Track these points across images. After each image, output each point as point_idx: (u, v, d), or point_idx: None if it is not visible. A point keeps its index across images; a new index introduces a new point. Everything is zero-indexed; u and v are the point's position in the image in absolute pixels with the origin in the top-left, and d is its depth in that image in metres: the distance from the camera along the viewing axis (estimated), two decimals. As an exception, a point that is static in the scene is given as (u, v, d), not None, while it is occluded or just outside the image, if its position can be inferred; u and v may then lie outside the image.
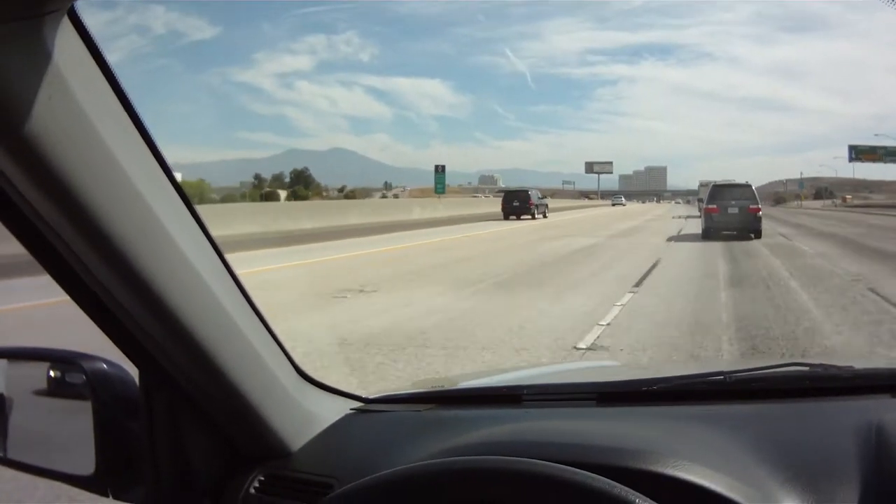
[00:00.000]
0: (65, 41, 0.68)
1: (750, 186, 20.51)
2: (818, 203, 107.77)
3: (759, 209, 19.20)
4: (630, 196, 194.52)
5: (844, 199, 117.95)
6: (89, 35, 0.71)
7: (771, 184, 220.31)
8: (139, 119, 0.78)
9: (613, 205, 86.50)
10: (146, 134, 0.79)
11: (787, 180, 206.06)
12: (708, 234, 19.02)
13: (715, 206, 19.47)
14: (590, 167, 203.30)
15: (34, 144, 0.67)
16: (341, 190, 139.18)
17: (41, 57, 0.66)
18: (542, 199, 40.38)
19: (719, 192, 20.07)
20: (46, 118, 0.67)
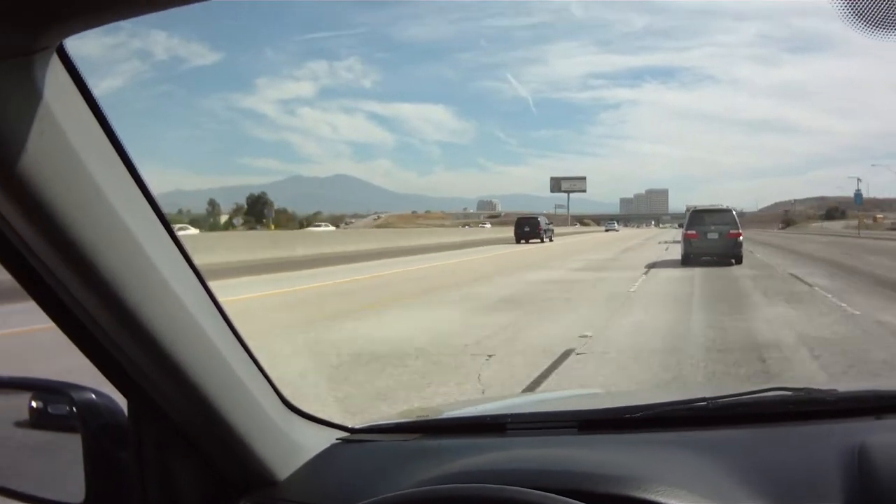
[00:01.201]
0: (54, 78, 0.71)
1: (730, 211, 20.06)
2: (837, 225, 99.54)
3: (739, 234, 18.85)
4: (630, 220, 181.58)
5: (876, 219, 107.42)
6: (77, 71, 0.74)
7: (777, 204, 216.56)
8: (126, 154, 0.81)
9: (607, 230, 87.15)
10: (131, 166, 0.82)
11: (796, 200, 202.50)
12: (687, 261, 18.65)
13: (694, 232, 19.05)
14: (556, 184, 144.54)
15: (26, 179, 0.69)
16: (315, 215, 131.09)
17: (32, 94, 0.69)
18: (548, 224, 45.68)
19: (699, 217, 19.53)
20: (38, 153, 0.69)
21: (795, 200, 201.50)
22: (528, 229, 41.39)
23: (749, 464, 0.97)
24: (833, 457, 0.96)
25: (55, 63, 0.71)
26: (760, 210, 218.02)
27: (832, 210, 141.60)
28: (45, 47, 0.69)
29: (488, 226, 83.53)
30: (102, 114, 0.78)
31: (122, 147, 0.81)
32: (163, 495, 1.04)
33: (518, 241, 40.18)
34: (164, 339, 0.88)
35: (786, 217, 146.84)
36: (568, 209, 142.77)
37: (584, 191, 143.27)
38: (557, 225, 56.53)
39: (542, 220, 43.97)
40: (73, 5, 0.65)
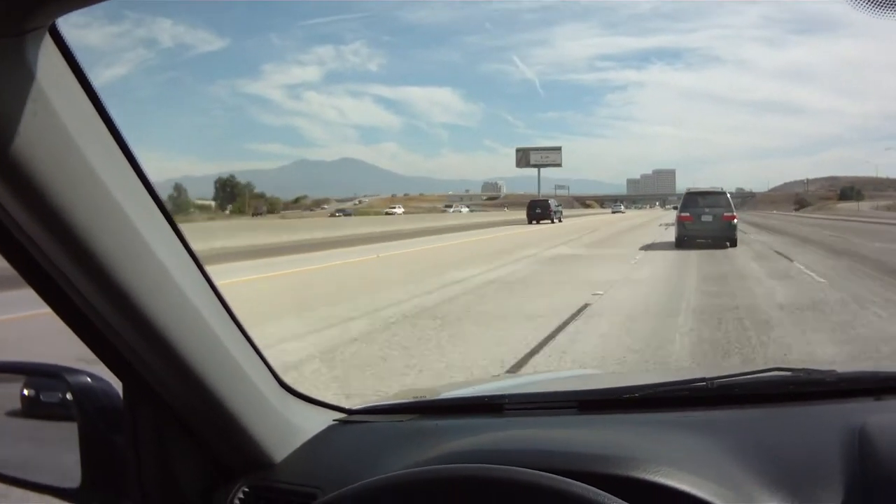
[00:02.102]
0: (47, 58, 0.70)
1: (725, 194, 19.83)
2: (854, 205, 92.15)
3: (734, 216, 18.62)
4: (636, 201, 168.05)
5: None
6: (70, 51, 0.73)
7: (787, 185, 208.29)
8: (120, 134, 0.80)
9: (613, 212, 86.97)
10: (126, 149, 0.82)
11: (809, 180, 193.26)
12: (681, 243, 18.44)
13: (688, 215, 18.83)
14: (524, 157, 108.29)
15: (20, 160, 0.69)
16: (296, 201, 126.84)
17: (25, 74, 0.68)
18: (558, 206, 50.13)
19: (693, 199, 19.30)
20: (31, 134, 0.69)
21: (809, 180, 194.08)
22: (539, 211, 45.30)
23: (748, 444, 0.97)
24: (833, 437, 0.95)
25: (48, 43, 0.71)
26: (771, 190, 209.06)
27: (847, 189, 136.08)
28: (37, 27, 0.68)
29: (464, 210, 75.90)
30: (96, 94, 0.77)
31: (115, 128, 0.80)
32: (159, 478, 1.04)
33: (530, 222, 43.16)
34: (160, 321, 0.87)
35: (798, 198, 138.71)
36: (539, 186, 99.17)
37: (559, 164, 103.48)
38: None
39: (553, 203, 48.63)
40: None
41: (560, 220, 45.82)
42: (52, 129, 0.72)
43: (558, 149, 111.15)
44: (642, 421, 1.11)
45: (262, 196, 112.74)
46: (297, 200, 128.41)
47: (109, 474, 1.05)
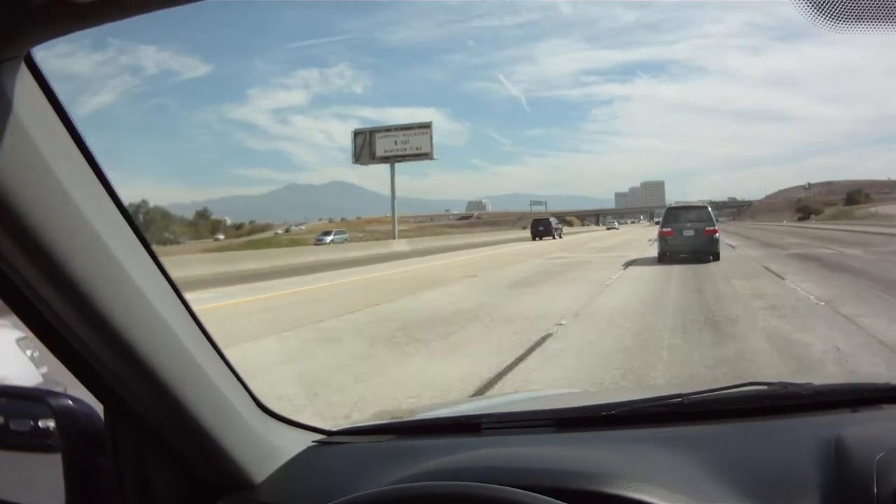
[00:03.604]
0: (23, 87, 0.72)
1: (706, 208, 20.07)
2: (870, 210, 77.53)
3: (715, 231, 18.79)
4: (623, 216, 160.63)
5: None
6: (45, 80, 0.75)
7: (782, 191, 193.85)
8: (95, 160, 0.82)
9: (608, 228, 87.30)
10: (101, 174, 0.83)
11: (811, 184, 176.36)
12: (663, 258, 18.63)
13: (670, 230, 19.03)
14: (366, 146, 55.17)
15: None
16: (238, 228, 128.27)
17: (1, 103, 0.69)
18: (558, 224, 53.99)
19: (674, 214, 19.58)
20: (7, 161, 0.70)
21: (811, 184, 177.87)
22: (542, 228, 49.52)
23: (725, 459, 0.98)
24: (809, 450, 0.96)
25: (23, 72, 0.72)
26: (768, 197, 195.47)
27: (854, 193, 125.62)
28: (12, 57, 0.69)
29: (329, 239, 49.37)
30: (71, 121, 0.79)
31: (90, 154, 0.81)
32: (141, 500, 1.04)
33: (534, 239, 46.61)
34: (138, 344, 0.88)
35: (800, 204, 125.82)
36: (392, 186, 54.49)
37: (429, 155, 55.07)
38: (526, 226, 57.12)
39: (553, 221, 52.53)
40: (38, 15, 0.66)
41: (560, 237, 49.63)
42: (28, 156, 0.73)
43: (426, 127, 56.15)
44: (619, 438, 1.12)
45: (220, 222, 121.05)
46: (239, 227, 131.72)
47: (92, 496, 1.05)
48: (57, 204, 0.77)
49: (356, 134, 59.58)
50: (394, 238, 40.02)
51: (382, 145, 57.34)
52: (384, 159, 56.90)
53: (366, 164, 58.93)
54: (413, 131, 57.98)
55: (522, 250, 28.83)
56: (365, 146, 58.37)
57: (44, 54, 0.75)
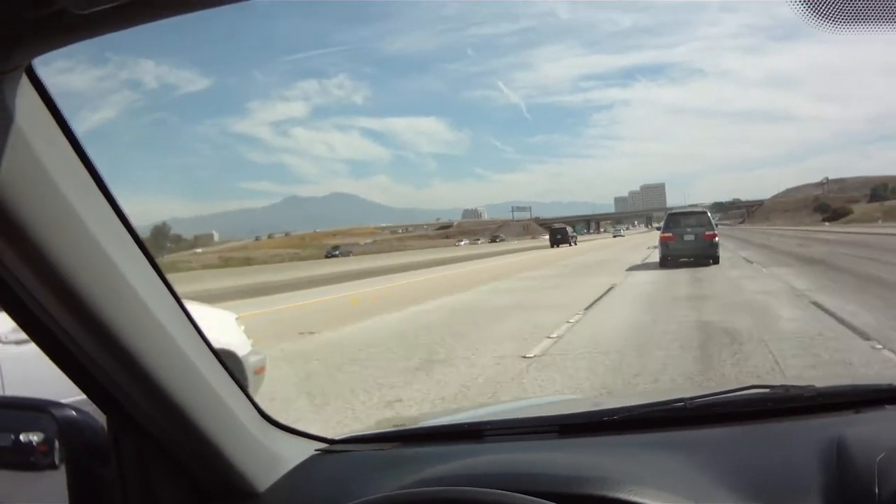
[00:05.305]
0: (24, 98, 0.72)
1: (706, 213, 20.59)
2: None
3: (715, 235, 19.38)
4: (622, 221, 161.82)
5: None
6: (46, 91, 0.75)
7: (790, 190, 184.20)
8: (96, 171, 0.82)
9: (615, 236, 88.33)
10: (104, 186, 0.83)
11: (828, 180, 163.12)
12: (665, 263, 19.25)
13: (671, 235, 19.60)
14: None
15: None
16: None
17: (2, 114, 0.70)
18: (573, 233, 63.81)
19: (675, 220, 20.14)
20: (8, 173, 0.70)
21: (828, 180, 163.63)
22: (559, 237, 57.71)
23: (728, 463, 0.98)
24: (812, 452, 0.96)
25: (24, 83, 0.73)
26: (780, 195, 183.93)
27: (879, 188, 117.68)
28: (13, 68, 0.70)
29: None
30: (72, 132, 0.79)
31: (92, 165, 0.82)
32: None
33: (552, 246, 53.32)
34: (142, 355, 0.89)
35: (818, 203, 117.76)
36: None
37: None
38: (512, 238, 61.69)
39: (569, 230, 61.72)
40: (38, 26, 0.66)
41: (576, 244, 56.42)
42: (30, 167, 0.73)
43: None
44: (622, 443, 1.12)
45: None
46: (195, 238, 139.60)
47: None
48: (60, 215, 0.77)
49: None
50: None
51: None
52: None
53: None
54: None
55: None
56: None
57: (44, 70, 0.75)
